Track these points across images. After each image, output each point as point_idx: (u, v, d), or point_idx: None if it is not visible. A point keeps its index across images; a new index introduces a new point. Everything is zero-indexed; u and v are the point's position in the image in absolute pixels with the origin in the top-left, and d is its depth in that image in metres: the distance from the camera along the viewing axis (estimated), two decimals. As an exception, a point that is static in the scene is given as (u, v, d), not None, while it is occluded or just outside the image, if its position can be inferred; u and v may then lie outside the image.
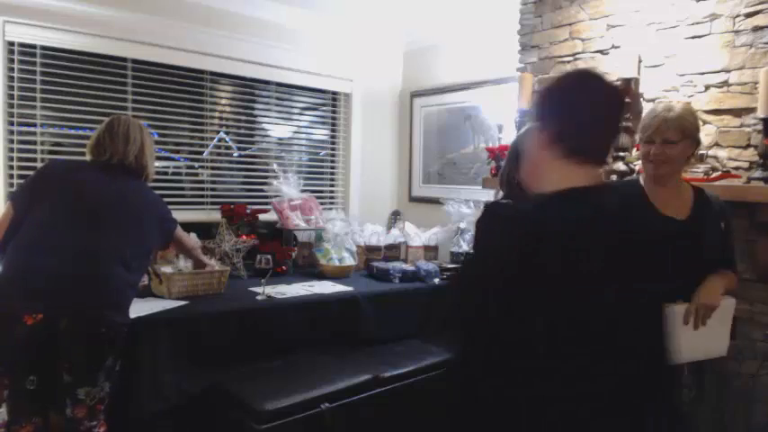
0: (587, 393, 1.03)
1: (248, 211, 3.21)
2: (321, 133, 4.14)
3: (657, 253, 1.15)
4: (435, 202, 3.75)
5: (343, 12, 3.80)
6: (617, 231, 1.03)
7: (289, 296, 2.58)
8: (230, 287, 2.64)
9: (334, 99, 4.17)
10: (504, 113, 3.23)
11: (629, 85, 2.64)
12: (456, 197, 3.55)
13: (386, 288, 2.89)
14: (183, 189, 3.47)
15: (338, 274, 3.08)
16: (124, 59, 3.16)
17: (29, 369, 1.70)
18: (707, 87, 2.45)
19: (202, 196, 3.53)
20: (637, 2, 2.67)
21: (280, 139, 3.92)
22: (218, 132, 3.58)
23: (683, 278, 1.70)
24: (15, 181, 2.86)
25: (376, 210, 4.15)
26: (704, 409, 2.03)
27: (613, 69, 2.74)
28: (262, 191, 3.72)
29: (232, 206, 3.18)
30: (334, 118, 4.19)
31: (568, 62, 2.97)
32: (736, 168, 2.35)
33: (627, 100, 1.16)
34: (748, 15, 2.32)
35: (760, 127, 2.24)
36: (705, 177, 2.36)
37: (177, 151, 3.45)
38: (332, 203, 4.16)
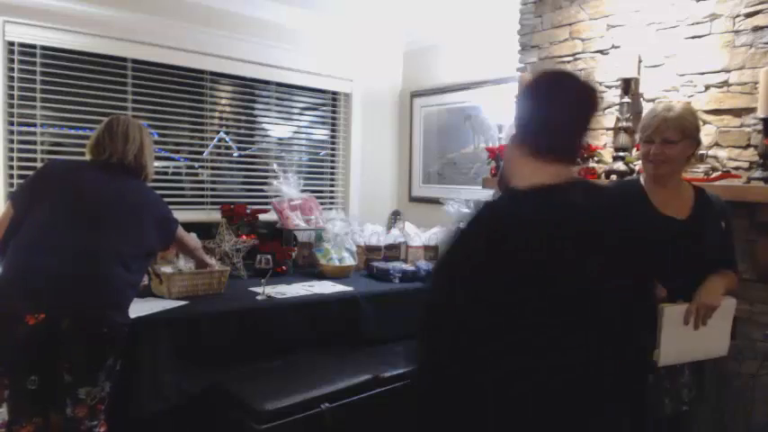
0: (557, 365, 1.04)
1: (248, 211, 3.21)
2: (321, 133, 4.14)
3: (641, 248, 1.15)
4: (435, 202, 3.75)
5: (343, 12, 3.81)
6: (585, 225, 1.04)
7: (289, 296, 2.58)
8: (230, 287, 2.64)
9: (334, 99, 4.17)
10: (504, 113, 3.22)
11: (628, 85, 2.64)
12: (456, 197, 3.54)
13: (386, 288, 2.89)
14: (183, 189, 3.47)
15: (338, 274, 3.08)
16: (124, 59, 3.16)
17: (30, 369, 1.69)
18: (707, 87, 2.45)
19: (202, 196, 3.53)
20: (637, 2, 2.68)
21: (280, 139, 3.92)
22: (218, 132, 3.58)
23: (684, 278, 1.70)
24: (15, 181, 2.86)
25: (376, 210, 4.15)
26: (704, 409, 2.03)
27: (613, 69, 2.74)
28: (262, 191, 3.72)
29: (232, 206, 3.18)
30: (334, 118, 4.19)
31: (568, 62, 2.97)
32: (736, 168, 2.35)
33: (599, 100, 1.16)
34: (748, 15, 2.32)
35: (760, 127, 2.24)
36: (705, 177, 2.36)
37: (177, 151, 3.45)
38: (332, 203, 4.16)
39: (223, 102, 3.63)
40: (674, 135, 1.70)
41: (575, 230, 1.03)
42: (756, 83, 2.26)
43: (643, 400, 1.28)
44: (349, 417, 2.16)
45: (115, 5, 3.03)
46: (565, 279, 1.02)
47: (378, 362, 2.48)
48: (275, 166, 3.62)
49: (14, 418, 1.73)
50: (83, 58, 3.02)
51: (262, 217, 3.30)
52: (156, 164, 3.14)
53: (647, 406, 1.34)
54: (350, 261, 3.20)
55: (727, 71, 2.39)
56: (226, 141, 3.63)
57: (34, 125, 2.93)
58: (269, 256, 3.01)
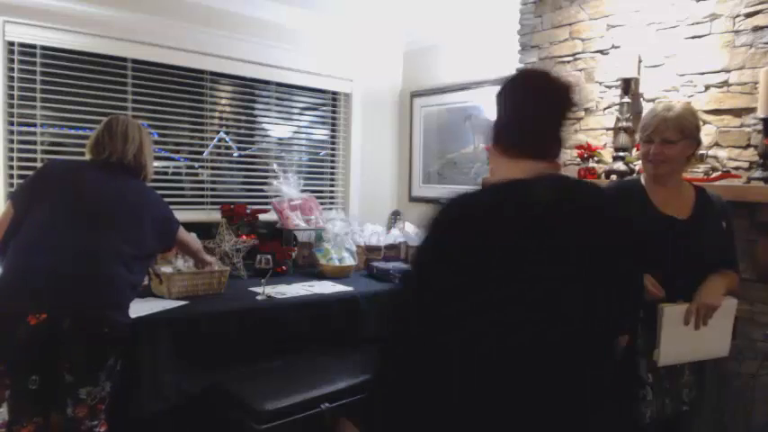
0: (521, 321, 1.06)
1: (248, 211, 3.21)
2: (321, 133, 4.14)
3: (620, 240, 1.16)
4: (435, 202, 3.74)
5: (343, 12, 3.81)
6: (541, 213, 1.08)
7: (289, 296, 2.58)
8: (230, 287, 2.64)
9: (334, 99, 4.17)
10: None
11: (628, 85, 2.64)
12: (456, 197, 3.54)
13: (386, 288, 2.89)
14: (183, 189, 3.47)
15: (338, 274, 3.08)
16: (124, 59, 3.16)
17: (31, 369, 1.70)
18: (707, 87, 2.45)
19: (202, 196, 3.53)
20: (637, 2, 2.68)
21: (280, 139, 3.92)
22: (218, 132, 3.58)
23: (684, 278, 1.70)
24: (15, 181, 2.85)
25: (376, 210, 4.15)
26: (704, 409, 2.03)
27: (613, 69, 2.74)
28: (262, 191, 3.72)
29: (232, 206, 3.18)
30: (334, 118, 4.19)
31: (568, 62, 2.97)
32: (736, 168, 2.35)
33: (572, 96, 1.19)
34: (748, 15, 2.32)
35: (760, 127, 2.25)
36: (705, 177, 2.36)
37: (177, 151, 3.45)
38: (332, 203, 4.16)
39: (223, 102, 3.63)
40: (674, 135, 1.70)
41: (528, 216, 1.08)
42: (756, 83, 2.26)
43: (624, 381, 1.29)
44: (349, 417, 2.16)
45: (115, 5, 3.03)
46: (514, 257, 1.06)
47: (378, 362, 2.48)
48: (275, 166, 3.62)
49: (15, 417, 1.73)
50: (83, 58, 3.02)
51: (262, 217, 3.30)
52: (156, 164, 3.15)
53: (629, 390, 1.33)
54: (350, 261, 3.20)
55: (727, 71, 2.39)
56: (226, 141, 3.63)
57: (34, 125, 2.93)
58: (269, 256, 3.01)
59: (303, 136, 4.05)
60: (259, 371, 2.30)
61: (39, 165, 2.86)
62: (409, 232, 3.55)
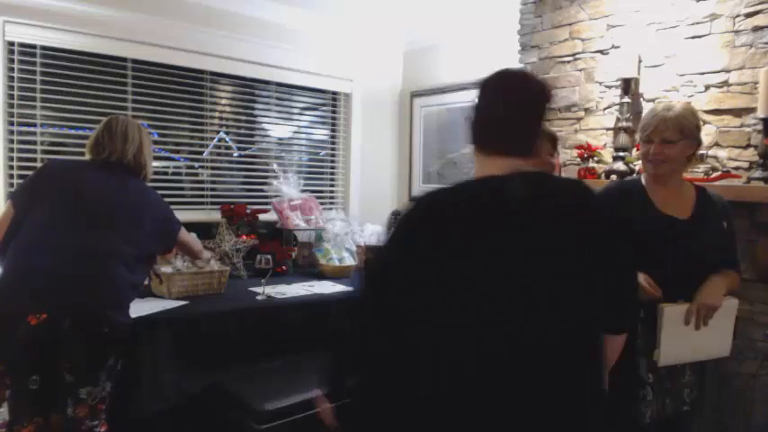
0: (495, 317, 1.07)
1: (248, 211, 3.21)
2: (321, 133, 4.14)
3: (595, 242, 1.15)
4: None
5: (344, 12, 3.81)
6: (520, 213, 1.10)
7: (289, 296, 2.58)
8: (230, 287, 2.64)
9: (334, 99, 4.17)
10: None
11: (628, 85, 2.64)
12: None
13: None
14: (183, 189, 3.47)
15: (338, 274, 3.08)
16: (124, 59, 3.16)
17: (31, 369, 1.69)
18: (707, 87, 2.45)
19: (202, 196, 3.53)
20: (637, 2, 2.68)
21: (280, 139, 3.92)
22: (218, 132, 3.58)
23: (685, 278, 1.69)
24: (15, 181, 2.85)
25: (376, 210, 4.14)
26: (704, 409, 2.03)
27: (613, 69, 2.74)
28: (262, 191, 3.72)
29: (232, 206, 3.18)
30: (334, 118, 4.19)
31: (568, 62, 2.97)
32: (736, 168, 2.35)
33: (546, 95, 1.21)
34: (748, 15, 2.32)
35: (760, 127, 2.25)
36: (705, 177, 2.36)
37: (177, 151, 3.45)
38: (332, 203, 4.16)
39: (223, 102, 3.63)
40: (673, 135, 1.69)
41: (500, 211, 1.10)
42: (756, 83, 2.26)
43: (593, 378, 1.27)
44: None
45: (115, 5, 3.03)
46: (485, 253, 1.08)
47: (378, 362, 2.48)
48: (275, 166, 3.62)
49: (15, 417, 1.73)
50: (83, 58, 3.02)
51: (262, 217, 3.30)
52: (156, 164, 3.15)
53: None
54: (350, 261, 3.20)
55: (727, 71, 2.39)
56: (226, 141, 3.63)
57: (34, 125, 2.93)
58: (269, 256, 3.01)
59: (303, 136, 4.05)
60: (259, 371, 2.30)
61: (39, 165, 2.86)
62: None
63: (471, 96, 1.24)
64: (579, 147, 2.78)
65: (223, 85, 3.60)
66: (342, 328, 1.30)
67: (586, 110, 2.91)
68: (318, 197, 3.85)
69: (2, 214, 1.94)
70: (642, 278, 1.63)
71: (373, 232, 3.47)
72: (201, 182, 3.53)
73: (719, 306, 1.68)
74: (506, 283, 1.08)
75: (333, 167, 4.20)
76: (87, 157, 2.02)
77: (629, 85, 2.66)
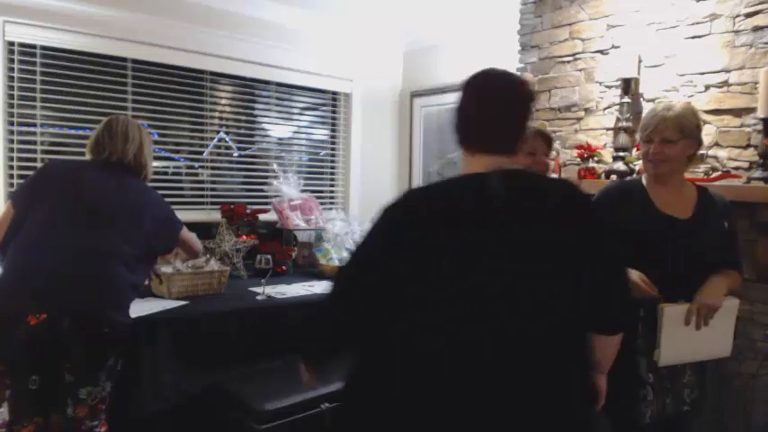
0: (465, 317, 1.08)
1: (248, 211, 3.21)
2: (321, 133, 4.14)
3: (579, 240, 1.14)
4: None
5: (344, 12, 3.81)
6: (500, 210, 1.11)
7: (289, 296, 2.58)
8: (230, 287, 2.64)
9: (334, 99, 4.17)
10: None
11: (628, 85, 2.64)
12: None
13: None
14: (182, 189, 3.47)
15: (338, 274, 3.07)
16: (124, 59, 3.16)
17: (31, 369, 1.69)
18: (707, 87, 2.45)
19: (202, 196, 3.53)
20: (637, 2, 2.68)
21: (280, 139, 3.92)
22: (218, 132, 3.58)
23: (685, 277, 1.69)
24: (15, 181, 2.86)
25: (376, 210, 4.12)
26: (704, 409, 2.03)
27: (613, 69, 2.74)
28: (262, 191, 3.72)
29: (232, 206, 3.18)
30: (334, 118, 4.19)
31: (568, 62, 2.97)
32: (736, 168, 2.35)
33: (525, 93, 1.23)
34: (748, 15, 2.32)
35: (760, 127, 2.25)
36: (705, 177, 2.36)
37: (177, 151, 3.45)
38: (332, 203, 4.16)
39: (223, 102, 3.63)
40: (673, 134, 1.69)
41: (479, 208, 1.11)
42: (756, 83, 2.26)
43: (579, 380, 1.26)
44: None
45: (115, 5, 3.03)
46: (457, 247, 1.09)
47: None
48: (275, 166, 3.62)
49: (15, 417, 1.73)
50: (83, 58, 3.02)
51: (262, 217, 3.30)
52: (156, 164, 3.15)
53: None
54: (350, 261, 3.19)
55: (727, 71, 2.39)
56: (226, 141, 3.63)
57: (34, 125, 2.93)
58: (269, 256, 3.01)
59: (303, 136, 4.05)
60: (259, 371, 2.30)
61: (39, 165, 2.87)
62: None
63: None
64: (579, 147, 2.78)
65: (223, 85, 3.60)
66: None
67: (586, 110, 2.91)
68: (318, 197, 3.85)
69: (2, 214, 1.94)
70: (637, 276, 1.63)
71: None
72: (201, 182, 3.53)
73: (720, 306, 1.67)
74: (484, 280, 1.08)
75: (333, 167, 4.20)
76: (88, 157, 2.02)
77: (629, 85, 2.66)
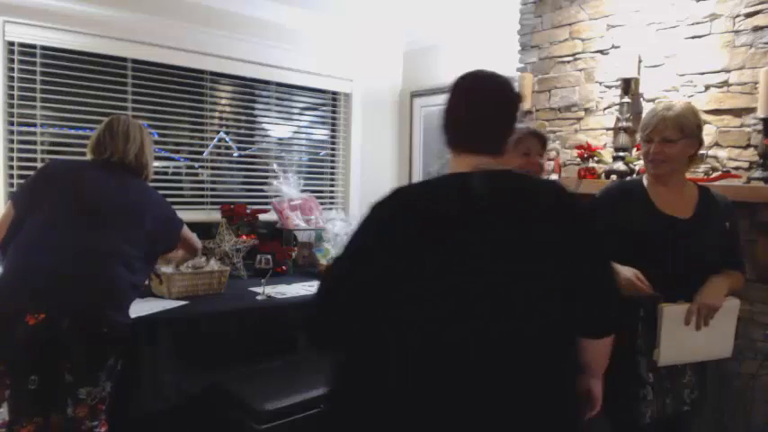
0: (440, 317, 1.09)
1: (248, 211, 3.21)
2: (321, 133, 4.14)
3: (561, 241, 1.14)
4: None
5: (344, 12, 3.81)
6: (480, 210, 1.12)
7: (289, 296, 2.58)
8: (230, 287, 2.64)
9: (334, 99, 4.17)
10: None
11: (628, 85, 2.64)
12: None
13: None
14: (182, 189, 3.47)
15: (338, 274, 3.07)
16: (124, 59, 3.16)
17: (30, 369, 1.69)
18: (707, 87, 2.45)
19: (202, 196, 3.53)
20: (637, 2, 2.68)
21: (280, 139, 3.92)
22: (218, 132, 3.58)
23: (685, 277, 1.69)
24: (15, 181, 2.86)
25: (376, 210, 4.14)
26: (704, 409, 2.03)
27: (613, 69, 2.74)
28: (262, 191, 3.72)
29: (232, 206, 3.18)
30: (334, 118, 4.19)
31: (568, 62, 2.97)
32: (736, 168, 2.35)
33: (509, 94, 1.25)
34: (748, 15, 2.32)
35: (760, 127, 2.25)
36: (705, 177, 2.36)
37: (177, 151, 3.45)
38: (332, 203, 4.16)
39: (223, 102, 3.63)
40: (673, 134, 1.69)
41: (460, 208, 1.13)
42: (756, 83, 2.26)
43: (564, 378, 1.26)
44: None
45: (115, 5, 3.03)
46: (434, 246, 1.10)
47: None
48: (275, 166, 3.62)
49: (15, 417, 1.73)
50: (83, 58, 3.02)
51: (262, 217, 3.30)
52: (156, 164, 3.15)
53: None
54: (350, 261, 3.19)
55: (727, 71, 2.39)
56: (226, 141, 3.63)
57: (34, 125, 2.93)
58: (269, 256, 3.01)
59: (303, 136, 4.05)
60: (259, 371, 2.30)
61: (39, 165, 2.87)
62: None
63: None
64: (579, 147, 2.78)
65: (223, 85, 3.60)
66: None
67: (586, 110, 2.91)
68: (318, 197, 3.85)
69: (3, 214, 1.94)
70: (632, 273, 1.63)
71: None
72: (201, 182, 3.53)
73: (720, 306, 1.67)
74: (466, 280, 1.09)
75: (333, 167, 4.20)
76: (89, 157, 2.02)
77: (629, 85, 2.66)
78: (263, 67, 3.64)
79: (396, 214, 1.15)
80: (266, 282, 2.62)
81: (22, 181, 2.70)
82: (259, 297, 2.52)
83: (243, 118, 3.71)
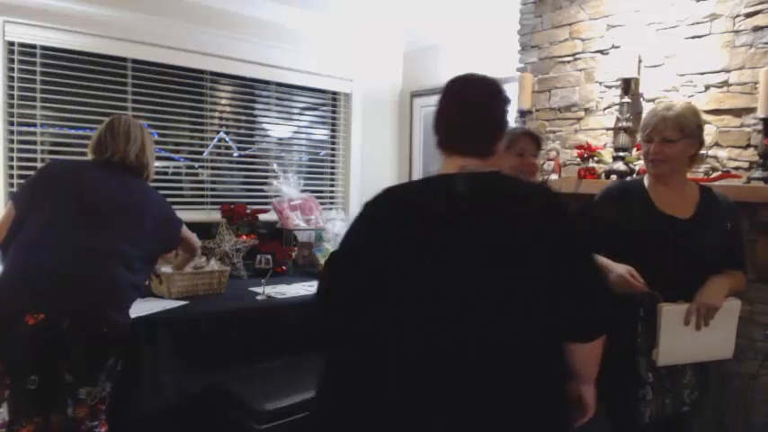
0: (409, 319, 1.12)
1: (248, 211, 3.21)
2: (321, 133, 4.14)
3: (545, 244, 1.13)
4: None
5: (344, 12, 3.81)
6: (457, 211, 1.14)
7: (289, 296, 2.58)
8: (230, 287, 2.64)
9: (334, 99, 4.17)
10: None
11: (628, 85, 2.64)
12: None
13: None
14: (182, 189, 3.47)
15: (338, 274, 3.07)
16: (124, 59, 3.16)
17: (30, 369, 1.69)
18: (707, 87, 2.45)
19: (202, 196, 3.53)
20: (637, 2, 2.68)
21: (280, 139, 3.92)
22: (218, 132, 3.58)
23: (685, 277, 1.69)
24: (15, 181, 2.86)
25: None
26: (704, 409, 2.02)
27: (613, 69, 2.74)
28: (262, 191, 3.72)
29: (232, 206, 3.18)
30: (334, 118, 4.19)
31: (568, 62, 2.97)
32: (736, 168, 2.35)
33: (496, 98, 1.27)
34: (748, 15, 2.32)
35: (760, 127, 2.25)
36: (705, 177, 2.36)
37: (177, 151, 3.45)
38: (332, 203, 4.16)
39: (223, 102, 3.63)
40: (673, 134, 1.69)
41: (433, 208, 1.16)
42: (756, 83, 2.26)
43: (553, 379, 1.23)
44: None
45: (115, 5, 3.03)
46: (423, 247, 1.13)
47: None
48: (275, 166, 3.62)
49: (15, 417, 1.73)
50: (83, 58, 3.02)
51: (262, 217, 3.30)
52: (156, 164, 3.12)
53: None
54: (350, 261, 3.19)
55: (727, 71, 2.39)
56: (226, 141, 3.63)
57: (34, 125, 2.93)
58: (269, 256, 3.01)
59: (303, 136, 4.05)
60: (259, 371, 2.30)
61: (39, 165, 2.87)
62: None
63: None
64: (579, 147, 2.78)
65: (223, 85, 3.60)
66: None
67: (586, 110, 2.91)
68: (318, 197, 3.85)
69: (4, 215, 1.94)
70: (626, 270, 1.63)
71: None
72: (201, 182, 3.53)
73: (720, 306, 1.66)
74: (449, 281, 1.10)
75: (333, 167, 4.20)
76: (90, 157, 2.02)
77: (629, 85, 2.66)
78: (263, 67, 3.64)
79: (384, 214, 1.18)
80: (266, 282, 2.62)
81: (22, 181, 2.70)
82: (259, 297, 2.52)
83: (243, 118, 3.71)
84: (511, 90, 3.10)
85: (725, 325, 1.71)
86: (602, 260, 1.73)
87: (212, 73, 3.49)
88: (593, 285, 1.20)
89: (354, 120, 4.17)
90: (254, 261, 3.02)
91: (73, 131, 3.05)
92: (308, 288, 2.76)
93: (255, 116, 3.77)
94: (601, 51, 2.83)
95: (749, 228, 2.24)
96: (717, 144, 2.42)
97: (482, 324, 1.09)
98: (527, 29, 3.15)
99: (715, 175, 2.36)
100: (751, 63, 2.32)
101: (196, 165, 3.51)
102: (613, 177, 2.58)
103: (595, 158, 2.75)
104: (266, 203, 3.54)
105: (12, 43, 2.82)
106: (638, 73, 2.66)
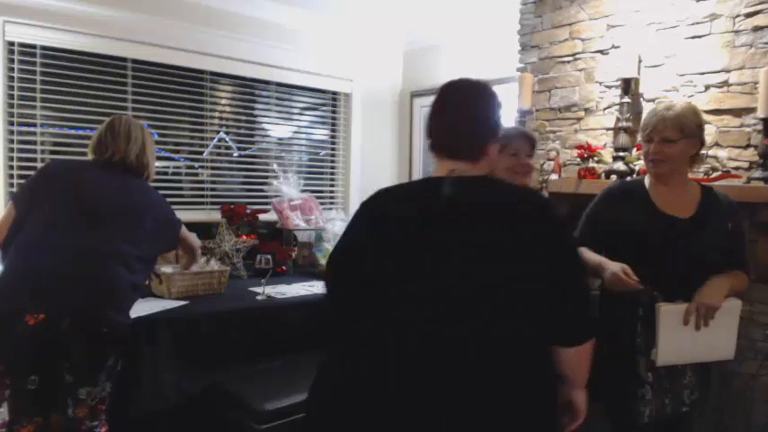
0: (396, 320, 1.14)
1: (248, 211, 3.21)
2: (321, 133, 4.14)
3: (529, 246, 1.14)
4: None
5: (344, 12, 3.81)
6: (443, 213, 1.17)
7: (289, 296, 2.58)
8: (230, 287, 2.64)
9: (334, 99, 4.17)
10: (503, 113, 3.22)
11: (628, 85, 2.64)
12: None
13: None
14: (182, 189, 3.47)
15: (338, 274, 3.07)
16: (124, 59, 3.16)
17: (30, 369, 1.69)
18: (707, 87, 2.45)
19: (202, 196, 3.53)
20: (637, 2, 2.68)
21: (280, 139, 3.92)
22: (218, 132, 3.58)
23: (685, 277, 1.69)
24: (15, 181, 2.86)
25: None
26: (704, 409, 2.02)
27: (613, 69, 2.74)
28: (262, 191, 3.72)
29: (232, 206, 3.18)
30: (334, 118, 4.19)
31: (568, 62, 2.97)
32: (736, 168, 2.35)
33: (488, 103, 1.29)
34: (748, 15, 2.32)
35: (760, 127, 2.25)
36: (705, 177, 2.36)
37: (177, 151, 3.45)
38: (332, 203, 4.16)
39: (223, 102, 3.63)
40: (673, 134, 1.69)
41: (419, 210, 1.19)
42: (756, 83, 2.26)
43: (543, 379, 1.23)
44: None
45: (115, 5, 3.03)
46: (407, 248, 1.16)
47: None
48: (275, 166, 3.62)
49: (15, 417, 1.73)
50: (83, 58, 3.02)
51: (262, 217, 3.30)
52: (156, 164, 3.12)
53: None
54: (350, 261, 3.19)
55: (727, 71, 2.39)
56: (226, 141, 3.63)
57: (34, 125, 2.93)
58: (269, 256, 3.01)
59: (303, 136, 4.05)
60: (259, 371, 2.30)
61: (39, 165, 2.87)
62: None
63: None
64: (579, 147, 2.78)
65: (223, 85, 3.60)
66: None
67: (586, 110, 2.91)
68: (318, 197, 3.85)
69: (4, 215, 1.94)
70: (619, 268, 1.63)
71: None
72: (201, 182, 3.53)
73: (719, 306, 1.65)
74: (431, 283, 1.12)
75: (333, 167, 4.20)
76: (90, 156, 2.02)
77: (629, 85, 2.66)
78: (263, 67, 3.64)
79: (384, 213, 1.21)
80: (266, 282, 2.62)
81: (22, 181, 2.70)
82: (259, 297, 2.52)
83: (243, 118, 3.71)
84: (511, 90, 3.12)
85: (725, 325, 1.70)
86: (597, 258, 1.74)
87: (212, 73, 3.49)
88: (578, 289, 1.20)
89: (354, 120, 4.17)
90: (254, 261, 3.02)
91: (73, 131, 3.05)
92: (308, 288, 2.76)
93: (255, 116, 3.77)
94: (601, 51, 2.83)
95: (749, 228, 2.24)
96: (717, 144, 2.42)
97: (482, 324, 1.09)
98: (527, 29, 3.15)
99: (715, 175, 2.36)
100: (751, 63, 2.32)
101: (196, 165, 3.51)
102: (613, 177, 2.58)
103: (595, 158, 2.74)
104: (266, 203, 3.54)
105: (12, 43, 2.82)
106: (638, 73, 2.66)
